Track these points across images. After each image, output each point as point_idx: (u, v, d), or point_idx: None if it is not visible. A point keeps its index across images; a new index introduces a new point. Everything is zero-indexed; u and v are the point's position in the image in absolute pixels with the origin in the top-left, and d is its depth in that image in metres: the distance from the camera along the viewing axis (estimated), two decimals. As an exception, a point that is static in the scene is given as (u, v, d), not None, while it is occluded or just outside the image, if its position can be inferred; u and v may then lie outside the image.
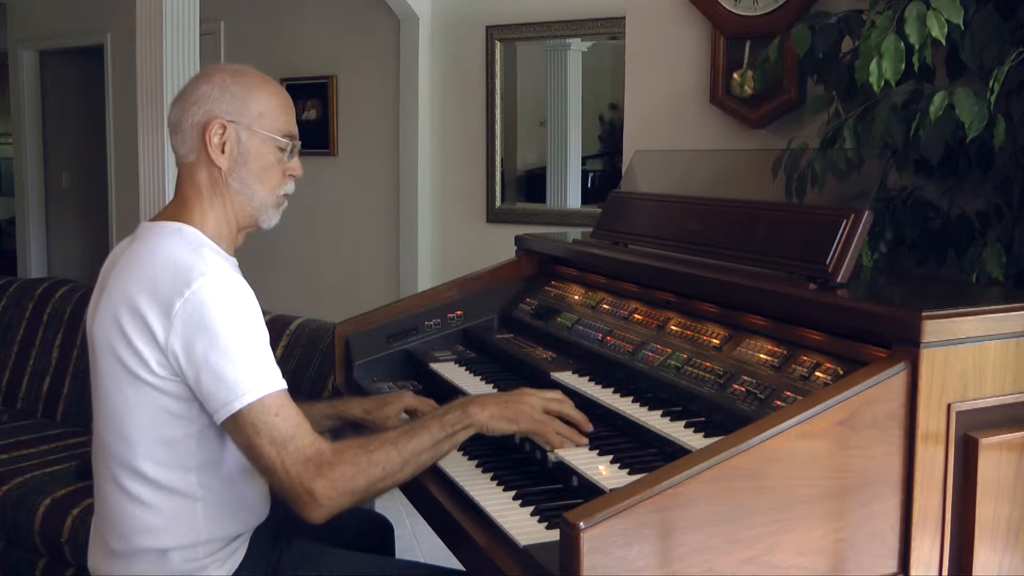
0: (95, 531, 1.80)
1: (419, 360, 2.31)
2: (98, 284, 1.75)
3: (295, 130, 1.77)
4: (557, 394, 1.73)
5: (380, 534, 2.18)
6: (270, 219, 1.78)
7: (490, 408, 1.65)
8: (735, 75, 2.45)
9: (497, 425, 1.65)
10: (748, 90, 2.42)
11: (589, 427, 1.70)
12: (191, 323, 1.55)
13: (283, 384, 1.58)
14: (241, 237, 1.79)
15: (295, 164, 1.77)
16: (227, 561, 1.72)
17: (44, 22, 7.14)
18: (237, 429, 1.56)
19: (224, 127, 1.69)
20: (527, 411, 1.66)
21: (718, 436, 1.43)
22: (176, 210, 1.72)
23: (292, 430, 1.54)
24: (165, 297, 1.56)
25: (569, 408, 1.71)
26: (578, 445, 1.66)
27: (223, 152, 1.69)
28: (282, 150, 1.74)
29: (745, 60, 2.46)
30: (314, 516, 1.54)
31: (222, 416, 1.55)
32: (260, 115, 1.71)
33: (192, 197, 1.72)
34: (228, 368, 1.54)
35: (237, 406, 1.54)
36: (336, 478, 1.52)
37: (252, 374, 1.55)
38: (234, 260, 1.73)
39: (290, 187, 1.79)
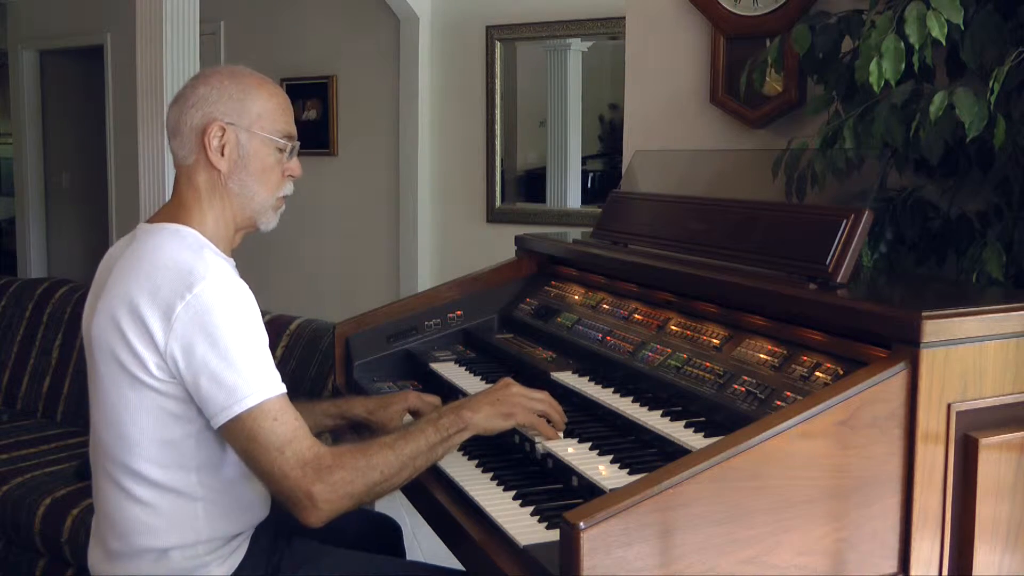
0: (95, 531, 1.79)
1: (419, 360, 2.31)
2: (95, 284, 1.74)
3: (294, 130, 1.76)
4: (542, 394, 1.75)
5: (388, 536, 2.17)
6: (269, 221, 1.78)
7: (484, 410, 1.67)
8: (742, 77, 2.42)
9: (494, 424, 1.68)
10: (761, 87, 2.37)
11: (562, 426, 1.73)
12: (191, 327, 1.54)
13: (282, 388, 1.58)
14: (238, 238, 1.78)
15: (294, 165, 1.77)
16: (228, 559, 1.72)
17: (44, 22, 7.13)
18: (235, 434, 1.56)
19: (223, 129, 1.68)
20: (521, 402, 1.69)
21: (718, 436, 1.43)
22: (174, 211, 1.72)
23: (290, 434, 1.54)
24: (165, 300, 1.56)
25: (552, 410, 1.73)
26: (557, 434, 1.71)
27: (222, 155, 1.69)
28: (281, 151, 1.74)
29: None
30: (312, 520, 1.53)
31: (220, 420, 1.55)
32: (259, 116, 1.70)
33: (190, 199, 1.71)
34: (228, 373, 1.54)
35: (236, 411, 1.53)
36: (335, 482, 1.52)
37: (251, 379, 1.55)
38: (232, 261, 1.73)
39: (289, 188, 1.78)
